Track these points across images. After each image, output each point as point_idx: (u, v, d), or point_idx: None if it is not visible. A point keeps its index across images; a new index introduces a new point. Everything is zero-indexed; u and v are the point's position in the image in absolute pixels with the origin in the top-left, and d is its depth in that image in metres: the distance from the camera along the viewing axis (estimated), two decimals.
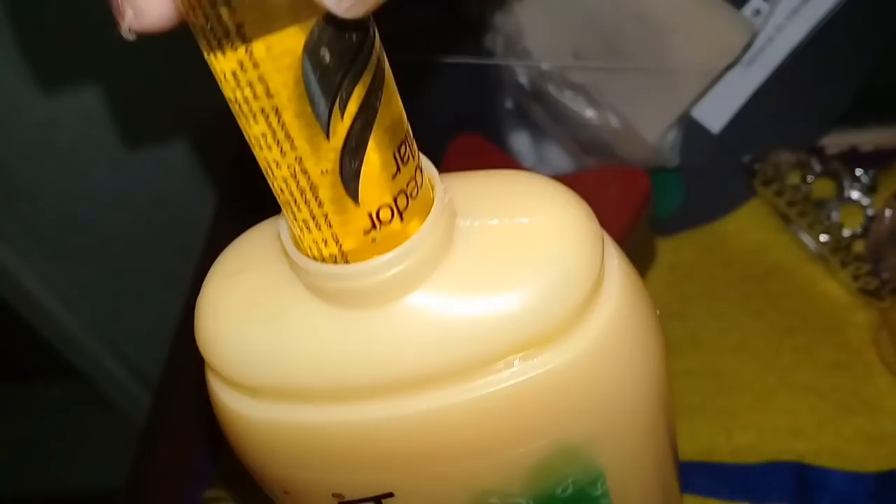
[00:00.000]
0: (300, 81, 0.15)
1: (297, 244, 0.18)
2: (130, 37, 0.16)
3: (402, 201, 0.18)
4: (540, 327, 0.18)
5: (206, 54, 0.15)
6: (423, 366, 0.18)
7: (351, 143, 0.16)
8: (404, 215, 0.18)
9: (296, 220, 0.18)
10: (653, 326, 0.20)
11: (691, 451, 0.38)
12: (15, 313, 0.69)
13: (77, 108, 0.60)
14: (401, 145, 0.17)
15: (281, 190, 0.17)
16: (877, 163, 0.45)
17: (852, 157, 0.46)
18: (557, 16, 0.43)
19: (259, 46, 0.15)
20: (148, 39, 0.16)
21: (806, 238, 0.43)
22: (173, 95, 0.61)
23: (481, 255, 0.18)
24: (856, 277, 0.41)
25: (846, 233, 0.43)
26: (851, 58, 0.45)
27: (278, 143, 0.16)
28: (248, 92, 0.15)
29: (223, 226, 0.56)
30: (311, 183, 0.17)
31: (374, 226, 0.18)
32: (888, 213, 0.40)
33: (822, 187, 0.44)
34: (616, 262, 0.20)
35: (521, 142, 0.48)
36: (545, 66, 0.42)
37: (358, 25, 0.16)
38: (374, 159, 0.17)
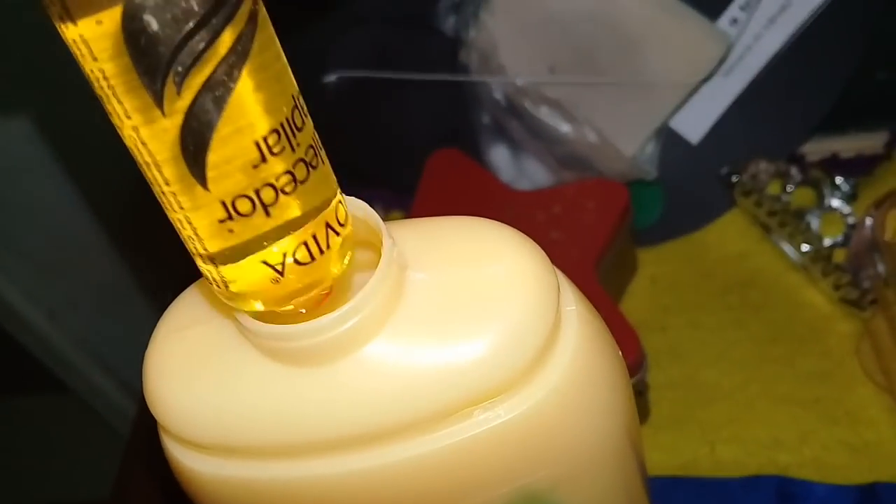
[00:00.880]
0: (123, 51, 0.14)
1: None
2: None
3: (267, 195, 0.16)
4: (495, 378, 0.18)
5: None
6: (377, 420, 0.18)
7: (192, 122, 0.15)
8: (271, 211, 0.17)
9: (163, 195, 0.16)
10: (614, 368, 0.20)
11: (673, 464, 0.38)
12: (0, 328, 0.68)
13: (58, 123, 0.60)
14: (272, 132, 0.16)
15: (138, 163, 0.16)
16: (858, 170, 0.45)
17: (833, 164, 0.45)
18: (532, 31, 0.43)
19: (74, 5, 0.14)
20: None
21: (787, 248, 0.43)
22: None
23: (433, 308, 0.18)
24: (837, 287, 0.41)
25: (827, 242, 0.43)
26: (829, 65, 0.45)
27: (115, 109, 0.15)
28: (85, 62, 0.14)
29: None
30: (154, 159, 0.16)
31: (229, 216, 0.16)
32: (868, 221, 0.40)
33: (802, 196, 0.44)
34: (573, 307, 0.19)
35: (499, 156, 0.47)
36: (520, 81, 0.42)
37: None
38: (225, 144, 0.15)
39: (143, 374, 0.20)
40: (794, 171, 0.44)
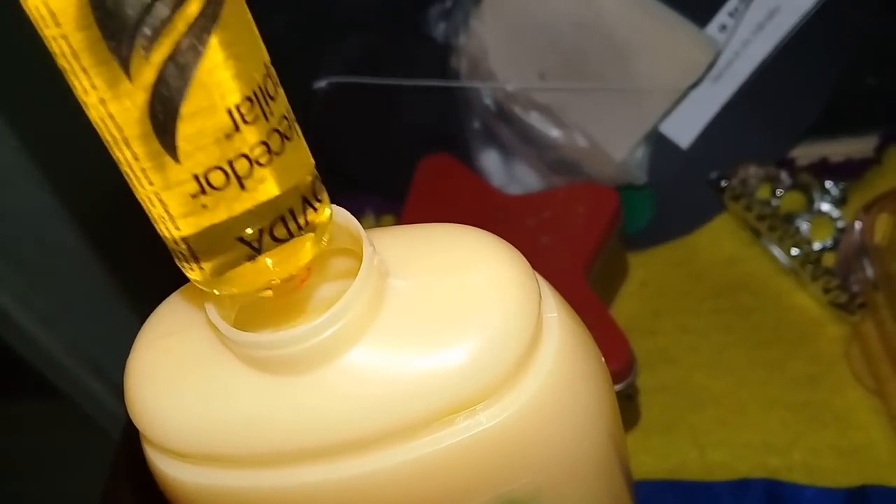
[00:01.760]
0: (88, 15, 0.14)
1: (222, 312, 0.18)
2: None
3: (241, 166, 0.16)
4: (477, 385, 0.18)
5: None
6: (359, 428, 0.18)
7: (161, 90, 0.14)
8: (246, 183, 0.16)
9: (131, 172, 0.16)
10: (596, 374, 0.20)
11: (663, 468, 0.38)
12: None
13: (47, 130, 0.60)
14: (245, 100, 0.15)
15: (105, 141, 0.15)
16: (847, 174, 0.45)
17: (823, 169, 0.46)
18: (522, 37, 0.43)
19: None
20: None
21: (776, 251, 0.43)
22: None
23: (415, 315, 0.18)
24: (826, 291, 0.41)
25: (816, 246, 0.43)
26: (818, 70, 0.45)
27: (80, 81, 0.14)
28: (48, 30, 0.14)
29: None
30: (123, 133, 0.15)
31: (202, 189, 0.16)
32: (858, 225, 0.40)
33: (791, 200, 0.44)
34: (555, 314, 0.19)
35: (490, 161, 0.48)
36: (510, 87, 0.42)
37: None
38: (197, 113, 0.15)
39: (124, 383, 0.20)
40: (783, 175, 0.44)
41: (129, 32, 0.14)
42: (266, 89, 0.16)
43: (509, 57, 0.43)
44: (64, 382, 0.74)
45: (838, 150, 0.46)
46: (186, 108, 0.15)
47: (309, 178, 0.17)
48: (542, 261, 0.42)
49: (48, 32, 0.14)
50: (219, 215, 0.16)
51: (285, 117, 0.17)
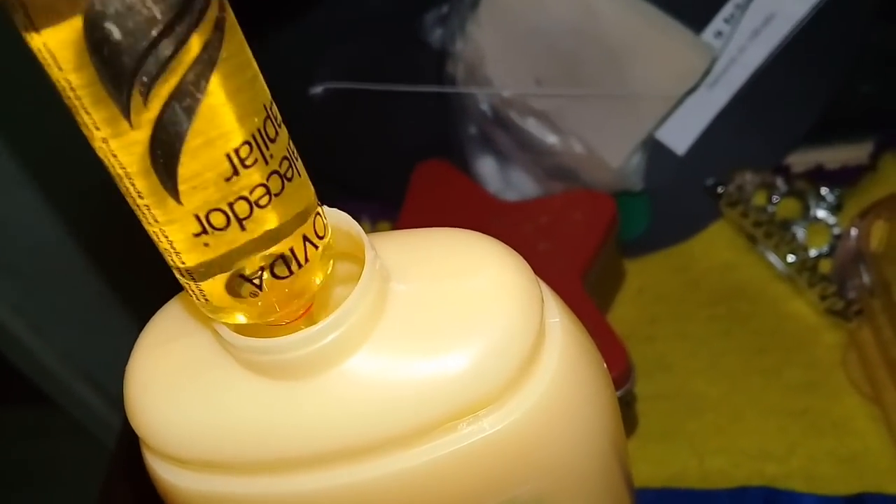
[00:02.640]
0: (87, 61, 0.14)
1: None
2: None
3: (241, 208, 0.16)
4: (479, 391, 0.18)
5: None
6: (361, 434, 0.18)
7: (161, 134, 0.15)
8: (246, 224, 0.16)
9: (137, 208, 0.16)
10: (598, 379, 0.20)
11: (662, 476, 0.38)
12: None
13: (41, 137, 0.60)
14: (244, 144, 0.16)
15: (112, 176, 0.16)
16: (843, 180, 0.45)
17: (818, 175, 0.46)
18: (519, 44, 0.43)
19: (36, 14, 0.13)
20: None
21: (773, 258, 0.43)
22: None
23: (417, 320, 0.18)
24: (823, 297, 0.41)
25: (812, 253, 0.43)
26: (814, 77, 0.45)
27: (84, 119, 0.15)
28: (52, 72, 0.14)
29: None
30: (126, 171, 0.15)
31: (203, 230, 0.16)
32: (854, 232, 0.40)
33: (787, 207, 0.44)
34: (557, 319, 0.19)
35: (486, 167, 0.48)
36: (507, 93, 0.42)
37: None
38: (196, 157, 0.15)
39: (123, 389, 0.19)
40: (779, 182, 0.44)
41: (126, 79, 0.14)
42: (266, 132, 0.16)
43: (506, 63, 0.43)
44: (57, 391, 0.74)
45: (834, 156, 0.46)
46: (186, 152, 0.15)
47: (311, 216, 0.18)
48: (538, 267, 0.41)
49: (52, 73, 0.14)
50: (220, 254, 0.17)
51: (286, 158, 0.17)
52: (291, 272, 0.17)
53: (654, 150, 0.45)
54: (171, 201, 0.16)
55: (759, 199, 0.45)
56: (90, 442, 0.76)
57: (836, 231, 0.43)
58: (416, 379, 0.18)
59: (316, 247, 0.18)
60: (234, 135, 0.15)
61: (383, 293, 0.18)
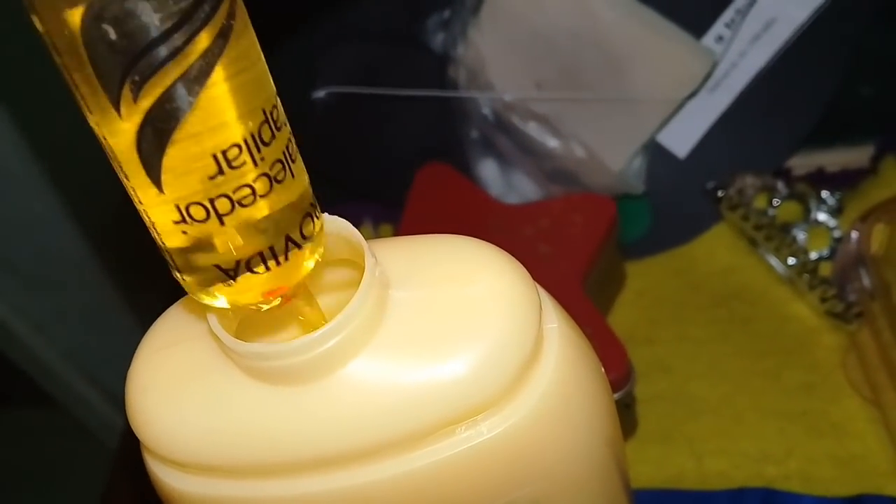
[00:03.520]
0: (81, 51, 0.14)
1: (224, 322, 0.18)
2: None
3: (222, 205, 0.16)
4: (478, 396, 0.18)
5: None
6: (360, 439, 0.18)
7: (147, 129, 0.15)
8: (226, 220, 0.16)
9: (126, 186, 0.17)
10: (596, 384, 0.20)
11: (660, 477, 0.38)
12: None
13: (45, 136, 0.60)
14: (233, 147, 0.16)
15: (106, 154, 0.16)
16: (843, 184, 0.45)
17: (819, 178, 0.46)
18: (519, 48, 0.43)
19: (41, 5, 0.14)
20: None
21: (773, 261, 0.44)
22: None
23: (416, 326, 0.18)
24: (823, 300, 0.41)
25: (813, 255, 0.43)
26: (814, 81, 0.45)
27: (81, 103, 0.15)
28: (54, 54, 0.15)
29: None
30: (113, 151, 0.16)
31: (183, 219, 0.16)
32: (854, 235, 0.40)
33: (788, 210, 0.44)
34: (555, 325, 0.19)
35: (488, 170, 0.48)
36: (508, 97, 0.43)
37: (163, 5, 0.14)
38: (181, 153, 0.15)
39: (125, 393, 0.20)
40: (780, 185, 0.45)
41: (118, 76, 0.14)
42: (260, 136, 0.16)
43: (507, 67, 0.43)
44: (58, 390, 0.74)
45: (834, 159, 0.46)
46: (172, 146, 0.15)
47: (298, 217, 0.18)
48: (539, 270, 0.42)
49: (54, 56, 0.15)
50: (198, 242, 0.17)
51: (280, 161, 0.17)
52: (268, 269, 0.17)
53: (655, 153, 0.46)
54: (154, 188, 0.16)
55: (759, 202, 0.45)
56: (92, 442, 0.76)
57: (837, 234, 0.43)
58: (415, 384, 0.18)
59: (300, 247, 0.18)
60: (225, 136, 0.16)
61: (383, 300, 0.18)
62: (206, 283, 0.18)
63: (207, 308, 0.18)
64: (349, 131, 0.50)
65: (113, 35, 0.14)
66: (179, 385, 0.19)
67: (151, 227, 0.17)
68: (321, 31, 0.49)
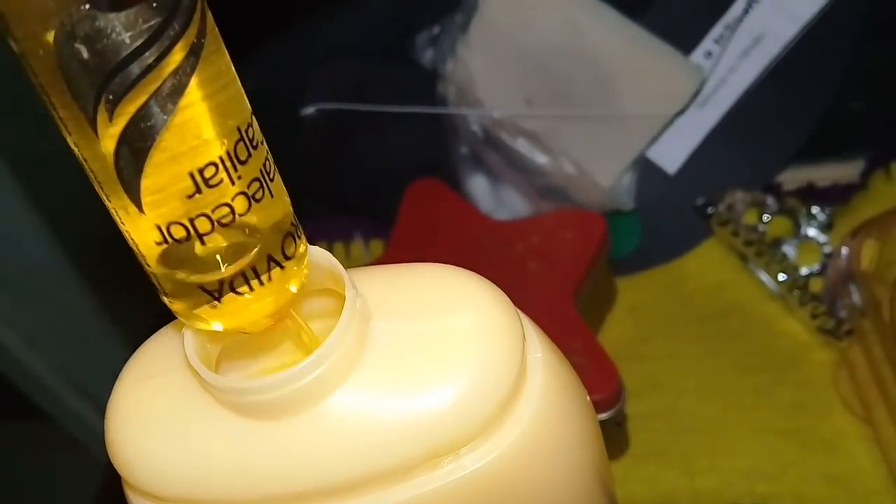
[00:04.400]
0: (56, 71, 0.14)
1: (203, 354, 0.18)
2: None
3: (203, 225, 0.16)
4: (461, 429, 0.18)
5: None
6: (342, 473, 0.18)
7: (124, 149, 0.15)
8: (206, 240, 0.16)
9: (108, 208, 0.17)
10: (581, 413, 0.20)
11: (653, 496, 0.38)
12: None
13: (35, 151, 0.60)
14: (209, 165, 0.16)
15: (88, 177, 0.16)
16: (834, 199, 0.45)
17: (809, 194, 0.46)
18: (509, 65, 0.44)
19: (13, 23, 0.14)
20: None
21: (764, 277, 0.44)
22: None
23: (398, 358, 0.18)
24: (814, 316, 0.41)
25: (803, 271, 0.43)
26: (804, 96, 0.45)
27: (59, 124, 0.15)
28: (30, 76, 0.15)
29: None
30: (94, 172, 0.16)
31: (164, 240, 0.16)
32: (845, 251, 0.40)
33: (778, 226, 0.44)
34: (539, 354, 0.19)
35: (478, 186, 0.48)
36: (497, 113, 0.43)
37: (133, 23, 0.14)
38: (159, 173, 0.16)
39: (105, 425, 0.19)
40: (770, 200, 0.45)
41: (92, 96, 0.15)
42: (236, 154, 0.16)
43: (496, 84, 0.44)
44: (49, 404, 0.73)
45: (824, 175, 0.46)
46: (149, 168, 0.15)
47: (280, 236, 0.18)
48: (529, 286, 0.41)
49: (32, 80, 0.15)
50: (181, 263, 0.17)
51: (257, 179, 0.17)
52: (252, 289, 0.17)
53: (645, 169, 0.46)
54: (134, 209, 0.16)
55: (749, 217, 0.45)
56: (82, 454, 0.76)
57: (827, 249, 0.43)
58: (397, 417, 0.18)
59: (282, 267, 0.18)
60: (200, 155, 0.16)
61: (363, 332, 0.18)
62: (193, 306, 0.18)
63: (185, 340, 0.18)
64: (339, 147, 0.50)
65: (85, 54, 0.14)
66: (159, 418, 0.19)
67: (136, 249, 0.17)
68: (311, 48, 0.49)
